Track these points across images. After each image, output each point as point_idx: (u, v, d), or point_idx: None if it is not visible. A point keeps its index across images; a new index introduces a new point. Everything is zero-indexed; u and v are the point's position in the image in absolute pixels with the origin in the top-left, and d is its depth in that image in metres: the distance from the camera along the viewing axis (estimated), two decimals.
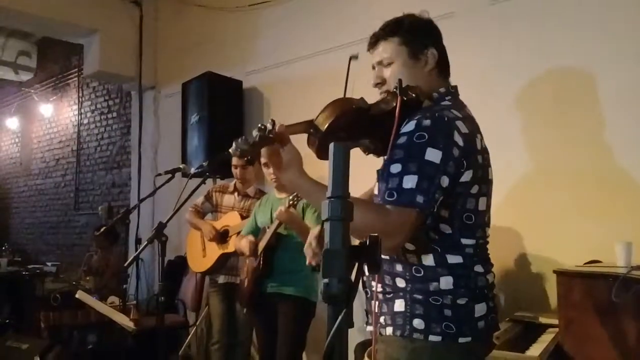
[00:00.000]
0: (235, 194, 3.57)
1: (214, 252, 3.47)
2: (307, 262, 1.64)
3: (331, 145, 0.91)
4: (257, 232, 3.14)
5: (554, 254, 2.81)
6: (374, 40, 1.60)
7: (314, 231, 1.63)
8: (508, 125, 3.02)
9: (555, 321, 2.26)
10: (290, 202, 2.70)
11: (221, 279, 3.49)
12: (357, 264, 0.94)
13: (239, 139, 1.32)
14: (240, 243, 3.05)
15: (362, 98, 1.48)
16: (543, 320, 2.52)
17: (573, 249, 2.68)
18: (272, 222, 2.95)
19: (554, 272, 2.20)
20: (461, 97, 1.60)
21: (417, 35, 1.56)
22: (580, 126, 2.82)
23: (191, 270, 3.98)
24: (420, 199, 1.32)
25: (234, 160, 3.44)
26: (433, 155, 1.34)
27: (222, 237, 3.47)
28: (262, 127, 1.32)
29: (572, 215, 2.78)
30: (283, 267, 2.91)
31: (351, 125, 1.44)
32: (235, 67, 4.81)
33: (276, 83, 4.51)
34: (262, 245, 2.92)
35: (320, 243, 1.58)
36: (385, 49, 1.56)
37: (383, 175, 1.40)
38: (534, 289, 2.85)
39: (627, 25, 2.70)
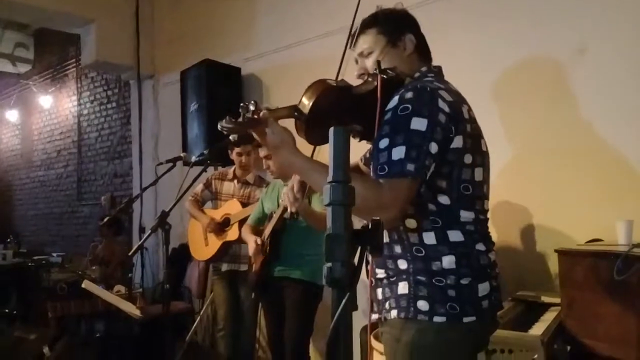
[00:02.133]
0: (235, 181, 3.58)
1: (216, 241, 3.48)
2: (288, 210, 1.65)
3: (331, 130, 0.92)
4: (264, 219, 3.15)
5: (556, 234, 2.83)
6: (355, 37, 1.64)
7: (296, 177, 1.64)
8: (507, 107, 3.02)
9: (558, 300, 2.27)
10: None
11: (224, 267, 3.51)
12: (359, 248, 0.95)
13: (224, 120, 1.34)
14: (248, 243, 3.07)
15: (342, 79, 1.50)
16: (545, 299, 2.54)
17: (574, 228, 2.70)
18: (278, 206, 2.96)
19: (556, 251, 2.20)
20: (455, 82, 1.60)
21: (393, 23, 1.61)
22: (580, 105, 2.82)
23: (194, 258, 4.00)
24: (410, 167, 1.33)
25: (239, 148, 3.44)
26: (418, 123, 1.36)
27: (223, 226, 3.48)
28: (245, 106, 1.34)
29: (573, 195, 2.79)
30: (290, 251, 2.93)
31: (334, 106, 1.44)
32: (233, 54, 4.79)
33: (275, 69, 4.49)
34: (268, 230, 2.94)
35: (302, 187, 1.60)
36: (365, 40, 1.60)
37: (374, 153, 1.41)
38: (535, 268, 2.87)
39: (619, 3, 2.69)
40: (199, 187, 3.61)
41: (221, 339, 3.57)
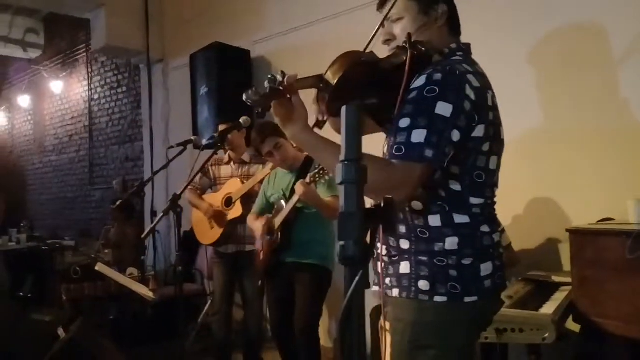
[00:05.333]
0: (231, 163, 3.58)
1: (220, 222, 3.48)
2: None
3: (343, 108, 0.91)
4: (267, 207, 3.16)
5: (567, 213, 2.82)
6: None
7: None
8: (517, 86, 3.00)
9: (568, 279, 2.27)
10: (311, 179, 2.72)
11: (230, 249, 3.50)
12: (372, 226, 0.95)
13: (250, 91, 1.31)
14: (254, 226, 3.09)
15: (371, 52, 1.45)
16: (556, 279, 2.54)
17: (586, 207, 2.69)
18: (285, 196, 2.97)
19: (567, 230, 2.20)
20: (477, 55, 1.57)
21: None
22: (590, 85, 2.80)
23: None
24: (429, 153, 1.30)
25: (219, 127, 3.44)
26: (443, 109, 1.31)
27: (226, 205, 3.47)
28: (273, 77, 1.32)
29: (584, 174, 2.78)
30: (301, 239, 2.94)
31: (361, 79, 1.41)
32: (242, 37, 4.78)
33: (285, 51, 4.48)
34: (279, 220, 2.95)
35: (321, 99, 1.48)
36: (395, 5, 1.51)
37: (392, 130, 1.38)
38: (547, 248, 2.87)
39: None
40: (197, 176, 3.62)
41: (216, 322, 3.57)
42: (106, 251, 5.40)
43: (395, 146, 1.33)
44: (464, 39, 1.60)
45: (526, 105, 2.98)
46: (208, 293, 4.61)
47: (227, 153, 3.60)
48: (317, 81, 1.39)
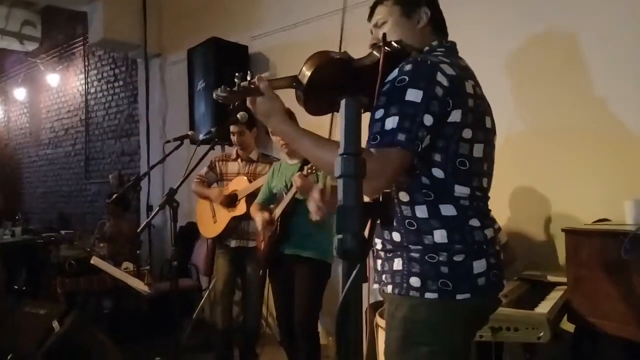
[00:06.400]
0: (239, 160, 3.60)
1: (225, 216, 3.50)
2: (311, 216, 1.63)
3: (342, 101, 0.91)
4: (271, 199, 3.16)
5: (563, 214, 2.83)
6: (372, 8, 1.65)
7: (319, 185, 1.63)
8: (512, 86, 3.01)
9: (563, 279, 2.27)
10: (308, 171, 2.73)
11: (232, 244, 3.52)
12: (370, 220, 0.95)
13: (219, 89, 1.36)
14: (255, 219, 3.10)
15: (345, 51, 1.50)
16: (551, 278, 2.55)
17: (582, 208, 2.69)
18: (287, 188, 2.98)
19: (563, 230, 2.20)
20: (467, 56, 1.58)
21: None
22: (586, 86, 2.80)
23: (202, 236, 4.02)
24: (401, 137, 1.33)
25: (232, 127, 3.47)
26: (413, 95, 1.35)
27: (231, 201, 3.50)
28: (241, 75, 1.37)
29: (580, 175, 2.79)
30: (300, 231, 2.95)
31: (335, 78, 1.44)
32: (240, 32, 4.77)
33: (282, 47, 4.47)
34: (279, 211, 2.96)
35: (323, 198, 1.62)
36: (380, 11, 1.61)
37: (369, 123, 1.41)
38: (542, 248, 2.88)
39: None
40: (203, 169, 3.63)
41: (218, 314, 3.58)
42: (101, 245, 5.38)
43: (372, 136, 1.37)
44: (456, 35, 1.62)
45: (521, 106, 2.99)
46: (203, 288, 4.61)
47: (236, 150, 3.62)
48: (291, 81, 1.43)
